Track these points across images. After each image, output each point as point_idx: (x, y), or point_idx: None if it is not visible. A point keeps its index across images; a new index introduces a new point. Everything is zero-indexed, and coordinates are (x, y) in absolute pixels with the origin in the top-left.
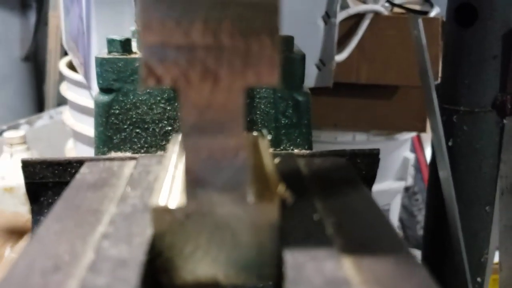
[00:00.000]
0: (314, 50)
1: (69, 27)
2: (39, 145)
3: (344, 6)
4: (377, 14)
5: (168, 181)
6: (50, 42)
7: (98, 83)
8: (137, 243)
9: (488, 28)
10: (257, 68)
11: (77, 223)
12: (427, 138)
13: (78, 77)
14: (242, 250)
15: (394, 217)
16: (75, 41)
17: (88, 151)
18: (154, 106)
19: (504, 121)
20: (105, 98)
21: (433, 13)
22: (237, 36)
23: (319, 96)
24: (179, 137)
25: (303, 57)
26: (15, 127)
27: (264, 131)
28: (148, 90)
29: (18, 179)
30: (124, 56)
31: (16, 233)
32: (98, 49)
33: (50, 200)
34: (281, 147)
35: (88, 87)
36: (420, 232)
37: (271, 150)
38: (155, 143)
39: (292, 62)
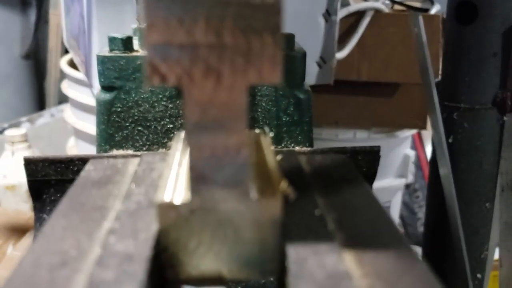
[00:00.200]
0: (314, 47)
1: (70, 25)
2: (40, 143)
3: (345, 4)
4: (377, 11)
5: (173, 178)
6: (50, 40)
7: (100, 81)
8: (143, 238)
9: (488, 25)
10: (259, 66)
11: (83, 219)
12: (427, 135)
13: (79, 75)
14: (245, 246)
15: (395, 214)
16: (76, 39)
17: (89, 149)
18: (155, 104)
19: (505, 118)
20: (107, 96)
21: (433, 11)
22: (239, 35)
23: (320, 93)
24: (182, 134)
25: (304, 55)
26: (16, 125)
27: (266, 129)
28: (150, 88)
29: (19, 177)
30: (126, 54)
31: (18, 231)
32: (99, 47)
33: (52, 198)
34: (283, 145)
35: (89, 85)
36: (421, 229)
37: (273, 147)
38: (157, 141)
39: (293, 60)
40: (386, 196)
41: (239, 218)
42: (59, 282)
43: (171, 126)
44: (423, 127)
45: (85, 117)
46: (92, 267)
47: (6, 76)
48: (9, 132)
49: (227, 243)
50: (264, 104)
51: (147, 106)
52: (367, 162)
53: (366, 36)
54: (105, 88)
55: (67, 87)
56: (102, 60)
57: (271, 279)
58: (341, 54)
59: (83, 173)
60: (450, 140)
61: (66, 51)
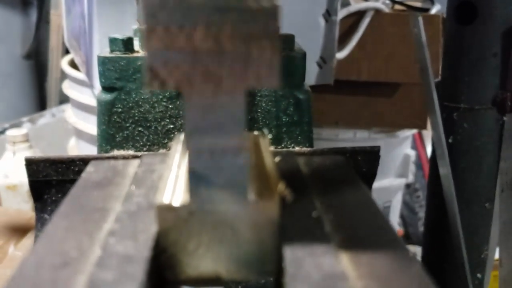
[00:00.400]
0: (315, 47)
1: (70, 25)
2: (41, 143)
3: (345, 4)
4: (378, 11)
5: (172, 180)
6: (51, 40)
7: (101, 81)
8: (142, 239)
9: (488, 26)
10: (257, 71)
11: (83, 220)
12: (428, 135)
13: (80, 75)
14: (243, 247)
15: (395, 214)
16: (77, 39)
17: (90, 149)
18: (156, 105)
19: (504, 118)
20: (108, 96)
21: (434, 10)
22: (238, 40)
23: (320, 93)
24: (182, 136)
25: (303, 55)
26: (17, 125)
27: (265, 130)
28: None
29: (21, 177)
30: (126, 55)
31: (19, 230)
32: (100, 48)
33: (53, 198)
34: (282, 145)
35: (90, 85)
36: (422, 229)
37: (271, 148)
38: (158, 141)
39: (292, 61)
40: (387, 196)
41: (237, 220)
42: (60, 282)
43: (171, 126)
44: (424, 127)
45: (86, 118)
46: (92, 268)
47: (7, 76)
48: (10, 132)
49: (226, 244)
50: (263, 104)
51: (148, 106)
52: (367, 162)
53: (367, 36)
54: (106, 88)
55: (68, 88)
56: (102, 61)
57: (270, 279)
58: (341, 54)
59: (84, 175)
60: (450, 140)
61: (67, 51)
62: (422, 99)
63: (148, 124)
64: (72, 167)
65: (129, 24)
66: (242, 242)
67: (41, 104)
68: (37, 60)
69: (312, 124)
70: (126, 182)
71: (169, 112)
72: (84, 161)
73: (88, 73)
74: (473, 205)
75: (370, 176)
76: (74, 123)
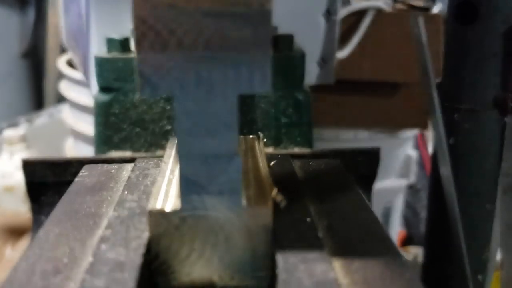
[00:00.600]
0: (315, 47)
1: (68, 25)
2: (38, 143)
3: (346, 3)
4: (379, 10)
5: (165, 185)
6: (49, 39)
7: (98, 82)
8: (134, 246)
9: (489, 25)
10: (249, 76)
11: (76, 227)
12: (431, 135)
13: (78, 75)
14: (236, 253)
15: (397, 215)
16: (75, 38)
17: (88, 150)
18: (153, 106)
19: (506, 119)
20: (105, 97)
21: (435, 9)
22: (229, 45)
23: (320, 93)
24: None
25: (303, 55)
26: (14, 124)
27: (261, 133)
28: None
29: (18, 178)
30: (124, 56)
31: (16, 232)
32: (98, 47)
33: (50, 199)
34: (282, 146)
35: (87, 85)
36: (424, 229)
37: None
38: (155, 142)
39: (291, 61)
40: (388, 197)
41: (230, 226)
42: None
43: (169, 127)
44: (425, 126)
45: (83, 118)
46: (83, 275)
47: (4, 74)
48: (7, 133)
49: (218, 250)
50: (262, 105)
51: (145, 107)
52: (367, 163)
53: (368, 36)
54: (103, 89)
55: (65, 88)
56: (100, 62)
57: (263, 286)
58: (342, 54)
59: (77, 179)
60: (451, 142)
61: (64, 50)
62: (423, 99)
63: (146, 125)
64: (69, 169)
65: (126, 24)
66: (235, 248)
67: (39, 103)
68: (34, 59)
69: (311, 125)
70: (119, 187)
71: (166, 113)
72: (81, 163)
73: (86, 73)
74: (474, 206)
75: (370, 177)
76: (72, 124)
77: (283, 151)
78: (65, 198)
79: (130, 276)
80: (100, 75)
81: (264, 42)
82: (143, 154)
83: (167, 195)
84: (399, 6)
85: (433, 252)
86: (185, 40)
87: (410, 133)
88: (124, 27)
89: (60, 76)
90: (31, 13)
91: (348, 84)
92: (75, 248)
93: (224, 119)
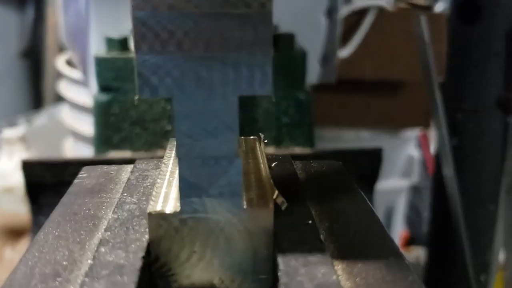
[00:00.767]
0: (316, 46)
1: (67, 24)
2: (38, 144)
3: (348, 2)
4: (381, 9)
5: (165, 187)
6: (48, 38)
7: (97, 82)
8: (134, 248)
9: (492, 25)
10: (250, 77)
11: (75, 229)
12: (433, 135)
13: (77, 75)
14: (237, 255)
15: (400, 215)
16: (74, 38)
17: (87, 150)
18: (154, 105)
19: (508, 119)
20: (105, 97)
21: (438, 8)
22: (229, 46)
23: (322, 93)
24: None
25: (304, 55)
26: (13, 123)
27: (261, 134)
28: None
29: (18, 179)
30: (123, 56)
31: (15, 233)
32: (97, 47)
33: (49, 200)
34: (283, 146)
35: (87, 84)
36: (426, 229)
37: (269, 152)
38: (155, 142)
39: (293, 60)
40: (391, 197)
41: (231, 228)
42: None
43: (169, 127)
44: (427, 126)
45: (82, 118)
46: (83, 278)
47: (2, 74)
48: (7, 134)
49: (219, 253)
50: (264, 105)
51: (145, 107)
52: (369, 164)
53: (369, 35)
54: (103, 88)
55: (64, 88)
56: (99, 61)
57: None
58: (344, 53)
59: (76, 181)
60: (453, 141)
61: (63, 50)
62: (426, 97)
63: (146, 125)
64: (68, 170)
65: (125, 23)
66: (235, 250)
67: (37, 102)
68: (33, 59)
69: (313, 124)
70: (118, 188)
71: (167, 113)
72: (80, 164)
73: (85, 72)
74: (477, 206)
75: (372, 178)
76: (70, 124)
77: (284, 151)
78: (64, 200)
79: (129, 279)
80: (99, 75)
81: (265, 42)
82: (143, 154)
83: (167, 197)
84: (401, 5)
85: (436, 252)
86: (185, 41)
87: (412, 133)
88: (124, 27)
89: (59, 75)
90: (30, 12)
91: (349, 83)
92: (75, 250)
93: (224, 120)
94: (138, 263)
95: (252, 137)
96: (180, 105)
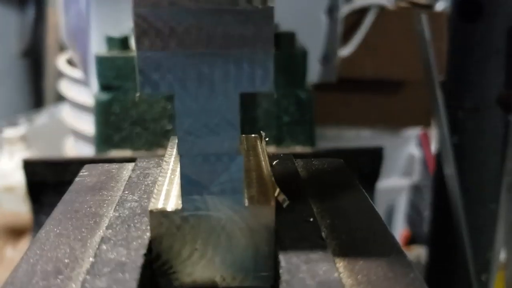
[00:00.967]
0: (317, 45)
1: (68, 23)
2: (38, 143)
3: (349, 0)
4: (382, 8)
5: (166, 184)
6: (48, 38)
7: (98, 81)
8: (135, 246)
9: (492, 23)
10: (251, 74)
11: (76, 227)
12: (434, 134)
13: (77, 74)
14: (239, 253)
15: (401, 214)
16: (75, 37)
17: (88, 149)
18: (154, 105)
19: (509, 117)
20: (105, 96)
21: (439, 7)
22: (231, 43)
23: (323, 91)
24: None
25: (305, 53)
26: (14, 123)
27: (263, 132)
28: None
29: (19, 178)
30: (124, 55)
31: (16, 232)
32: (97, 46)
33: (50, 199)
34: (284, 145)
35: (87, 83)
36: (427, 228)
37: (270, 150)
38: (156, 142)
39: (293, 59)
40: (392, 195)
41: (232, 226)
42: None
43: (170, 126)
44: (428, 124)
45: (83, 117)
46: (85, 275)
47: (3, 73)
48: (7, 133)
49: (220, 250)
50: (265, 104)
51: (146, 106)
52: (370, 163)
53: (370, 33)
54: (104, 87)
55: (65, 87)
56: (100, 60)
57: (266, 286)
58: (345, 52)
59: (77, 179)
60: (454, 140)
61: (64, 49)
62: (426, 96)
63: (146, 125)
64: (69, 169)
65: (126, 22)
66: (237, 248)
67: (38, 101)
68: (34, 58)
69: (314, 123)
70: (119, 186)
71: (167, 112)
72: (81, 163)
73: (86, 71)
74: (478, 205)
75: (373, 176)
76: (71, 124)
77: (285, 150)
78: (66, 198)
79: (131, 276)
80: (100, 74)
81: (266, 39)
82: (143, 153)
83: (168, 195)
84: (402, 3)
85: (437, 251)
86: (186, 38)
87: (413, 132)
88: (124, 26)
89: (60, 75)
90: (30, 12)
91: (350, 82)
92: (76, 248)
93: (226, 117)
94: (139, 261)
95: (253, 135)
96: (181, 102)
